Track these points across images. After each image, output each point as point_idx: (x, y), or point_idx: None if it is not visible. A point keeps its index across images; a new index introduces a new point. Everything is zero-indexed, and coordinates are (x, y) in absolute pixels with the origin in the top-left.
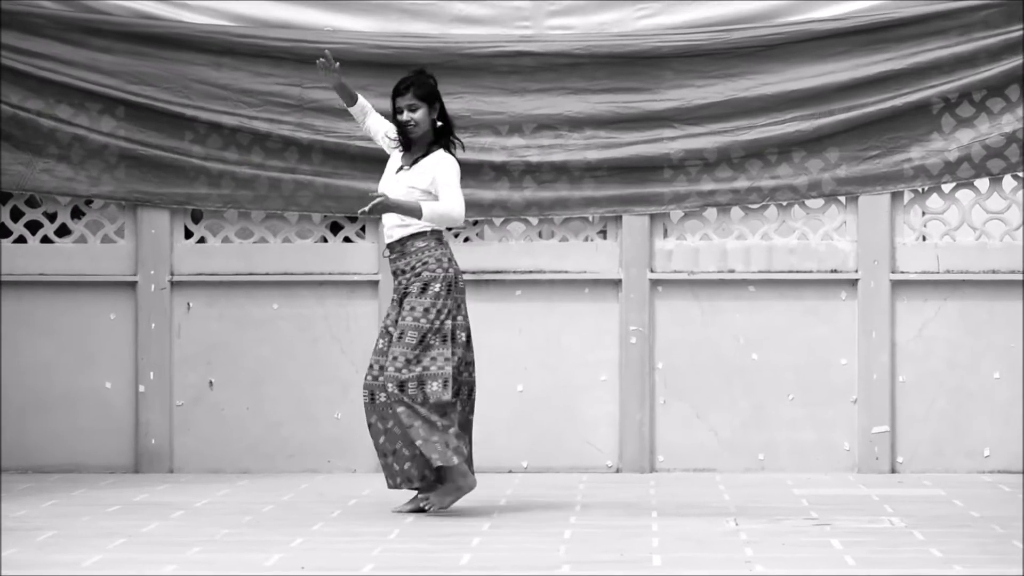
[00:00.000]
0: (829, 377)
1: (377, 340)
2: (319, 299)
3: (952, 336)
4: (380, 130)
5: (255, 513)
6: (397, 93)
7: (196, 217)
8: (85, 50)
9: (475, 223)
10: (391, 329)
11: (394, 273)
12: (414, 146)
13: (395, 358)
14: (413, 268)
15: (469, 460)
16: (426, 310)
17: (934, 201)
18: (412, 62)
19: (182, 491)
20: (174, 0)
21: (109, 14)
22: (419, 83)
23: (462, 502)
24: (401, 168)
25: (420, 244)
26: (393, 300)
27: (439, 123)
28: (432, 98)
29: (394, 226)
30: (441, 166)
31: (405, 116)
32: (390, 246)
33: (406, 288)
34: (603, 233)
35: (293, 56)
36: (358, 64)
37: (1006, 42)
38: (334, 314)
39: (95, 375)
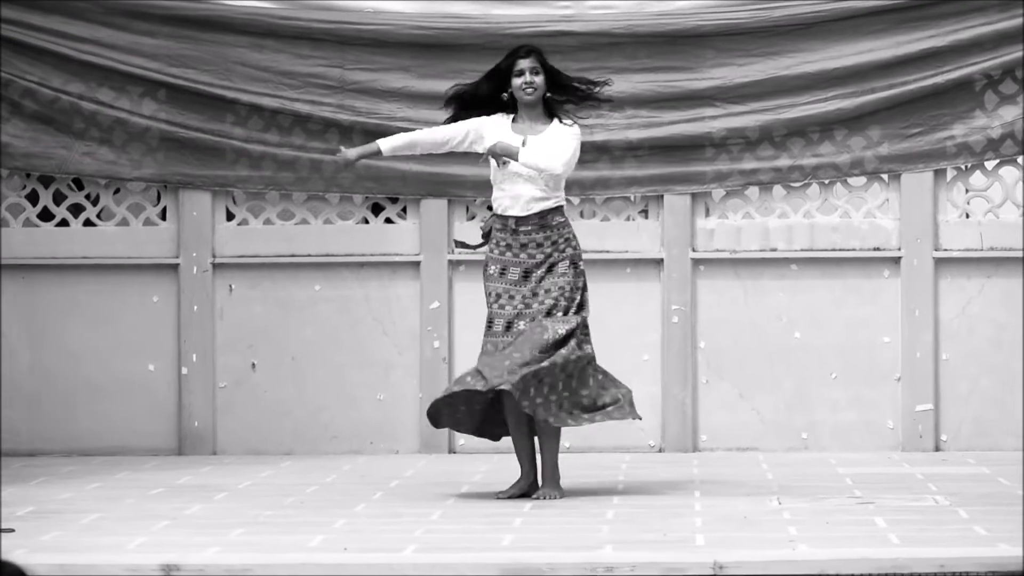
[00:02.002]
0: (872, 356)
1: (500, 323)
2: (360, 281)
3: (995, 314)
4: (462, 130)
5: (298, 495)
6: (520, 55)
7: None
8: (127, 33)
9: None
10: (524, 309)
11: (521, 246)
12: (523, 114)
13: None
14: (555, 243)
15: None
16: (578, 287)
17: (977, 178)
18: (454, 43)
19: (225, 473)
20: None
21: None
22: (540, 51)
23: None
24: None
25: (560, 219)
26: (508, 274)
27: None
28: (549, 70)
29: (535, 198)
30: (567, 130)
31: (528, 77)
32: (526, 219)
33: (547, 262)
34: (644, 212)
35: (334, 38)
36: (400, 45)
37: None
38: (376, 296)
39: (138, 358)
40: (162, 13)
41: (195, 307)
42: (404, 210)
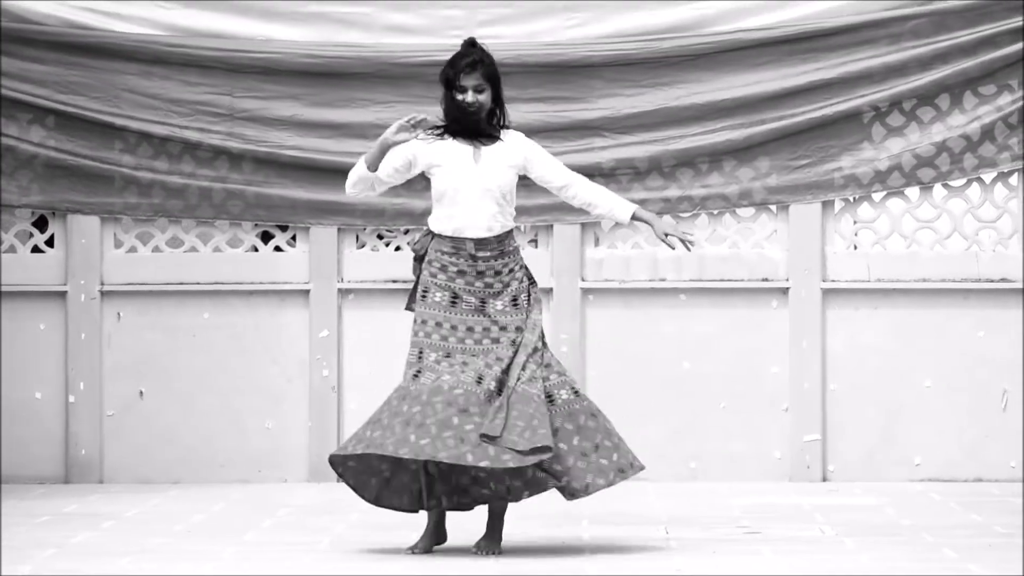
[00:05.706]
0: (760, 386)
1: (432, 354)
2: (250, 308)
3: (883, 344)
4: (390, 168)
5: (186, 523)
6: (462, 70)
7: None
8: (15, 60)
9: (407, 232)
10: (474, 345)
11: (478, 273)
12: (470, 132)
13: (548, 365)
14: (512, 271)
15: None
16: (536, 323)
17: (865, 210)
18: (344, 71)
19: (113, 501)
20: (106, 11)
21: (40, 24)
22: (487, 60)
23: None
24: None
25: (514, 244)
26: (460, 303)
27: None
28: (496, 79)
29: (494, 216)
30: (531, 144)
31: (471, 97)
32: (484, 241)
33: (506, 292)
34: (534, 242)
35: (223, 65)
36: (291, 74)
37: (935, 51)
38: (265, 324)
39: (24, 385)
40: (50, 40)
41: (83, 334)
42: (294, 238)
